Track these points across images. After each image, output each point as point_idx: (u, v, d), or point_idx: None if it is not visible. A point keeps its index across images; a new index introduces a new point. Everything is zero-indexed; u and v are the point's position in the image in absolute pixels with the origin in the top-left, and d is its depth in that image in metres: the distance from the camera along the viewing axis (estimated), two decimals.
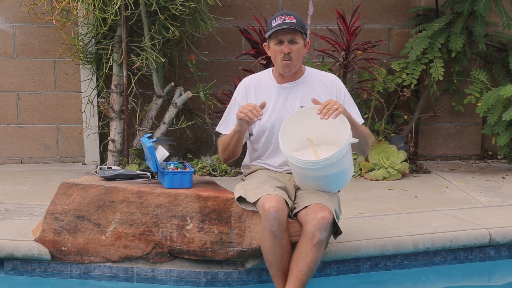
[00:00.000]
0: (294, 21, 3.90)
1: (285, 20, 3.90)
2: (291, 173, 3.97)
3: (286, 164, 3.97)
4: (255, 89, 4.04)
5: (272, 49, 3.95)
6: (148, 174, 4.23)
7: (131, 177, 4.20)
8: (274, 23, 3.92)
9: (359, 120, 3.98)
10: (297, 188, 3.96)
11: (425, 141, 6.81)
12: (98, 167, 4.34)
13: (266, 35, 3.96)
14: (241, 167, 4.27)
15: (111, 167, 4.30)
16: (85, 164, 6.52)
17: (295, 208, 3.84)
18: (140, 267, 4.07)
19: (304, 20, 4.04)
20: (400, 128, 6.70)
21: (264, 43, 4.04)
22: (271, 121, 3.98)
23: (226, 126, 4.07)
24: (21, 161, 6.57)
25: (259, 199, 3.78)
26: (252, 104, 3.79)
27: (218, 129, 4.12)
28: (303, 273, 3.70)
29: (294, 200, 3.90)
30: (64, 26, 6.11)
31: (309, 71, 4.08)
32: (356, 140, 3.72)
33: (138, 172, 4.26)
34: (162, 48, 6.15)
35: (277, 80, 4.04)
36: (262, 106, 3.80)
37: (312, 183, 3.83)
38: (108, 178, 4.14)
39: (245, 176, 4.15)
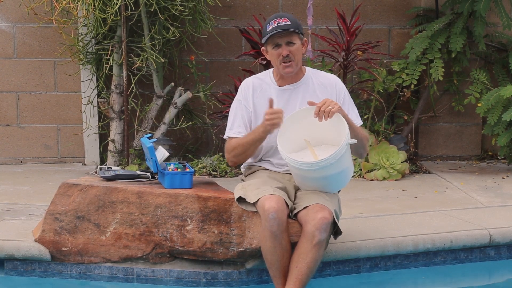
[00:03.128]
0: (289, 22, 3.89)
1: (279, 23, 3.89)
2: (291, 173, 3.97)
3: (286, 164, 3.97)
4: (255, 90, 4.04)
5: (270, 53, 3.95)
6: (148, 174, 4.23)
7: (131, 177, 4.20)
8: (269, 28, 3.90)
9: (358, 122, 3.98)
10: (297, 189, 3.96)
11: (425, 141, 6.81)
12: (98, 167, 4.34)
13: (263, 40, 3.96)
14: (241, 167, 4.26)
15: (111, 167, 4.30)
16: (85, 164, 6.52)
17: (295, 208, 3.83)
18: (140, 268, 4.07)
19: (299, 20, 4.03)
20: (400, 129, 6.70)
21: (262, 48, 4.03)
22: None
23: (236, 130, 4.02)
24: (21, 162, 6.57)
25: (259, 199, 3.78)
26: (272, 110, 3.77)
27: (229, 134, 4.04)
28: (302, 273, 3.70)
29: (294, 200, 3.90)
30: (64, 26, 6.11)
31: (309, 72, 4.08)
32: (355, 140, 3.71)
33: (138, 172, 4.26)
34: (162, 48, 6.15)
35: (277, 82, 4.03)
36: (271, 104, 3.79)
37: (311, 184, 3.83)
38: (108, 179, 4.14)
39: (245, 176, 4.15)
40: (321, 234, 3.68)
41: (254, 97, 4.03)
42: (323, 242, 3.72)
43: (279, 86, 4.02)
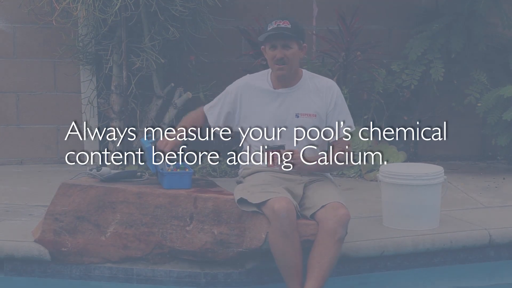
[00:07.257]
0: (289, 26, 3.90)
1: (279, 24, 3.91)
2: (290, 172, 3.98)
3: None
4: (250, 89, 4.07)
5: (267, 53, 3.98)
6: (139, 173, 4.25)
7: (123, 176, 4.21)
8: (269, 28, 3.93)
9: (347, 124, 4.01)
10: (305, 188, 3.98)
11: (425, 141, 6.80)
12: (88, 168, 4.34)
13: (260, 38, 3.99)
14: (239, 168, 4.26)
15: (100, 167, 4.25)
16: (85, 165, 6.51)
17: (308, 208, 3.87)
18: (140, 268, 4.07)
19: (300, 23, 4.04)
20: (400, 129, 6.69)
21: (262, 46, 4.05)
22: (265, 124, 4.01)
23: (211, 111, 4.21)
24: (21, 162, 6.57)
25: (267, 201, 3.78)
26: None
27: (206, 108, 4.25)
28: (325, 269, 3.73)
29: (303, 200, 3.92)
30: (64, 27, 6.10)
31: (306, 75, 4.08)
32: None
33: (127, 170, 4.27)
34: (162, 48, 6.15)
35: (273, 84, 4.05)
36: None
37: None
38: (102, 180, 4.13)
39: (244, 178, 4.13)
40: (343, 230, 3.75)
41: (245, 98, 4.06)
42: (343, 239, 3.78)
43: (275, 89, 4.03)
